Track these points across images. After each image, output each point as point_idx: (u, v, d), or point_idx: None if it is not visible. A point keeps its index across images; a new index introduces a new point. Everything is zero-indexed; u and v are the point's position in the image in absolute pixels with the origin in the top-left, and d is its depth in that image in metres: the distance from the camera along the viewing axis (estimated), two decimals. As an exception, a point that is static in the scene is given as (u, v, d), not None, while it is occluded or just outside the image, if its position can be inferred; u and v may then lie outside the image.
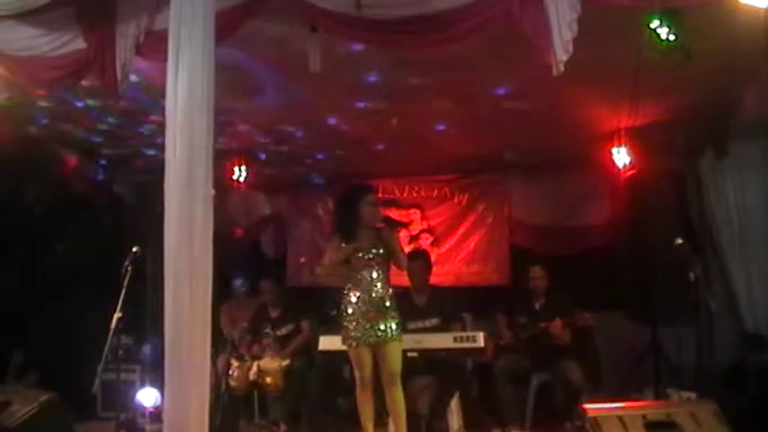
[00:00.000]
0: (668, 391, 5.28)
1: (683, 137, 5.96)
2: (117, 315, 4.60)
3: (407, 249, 5.17)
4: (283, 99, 5.32)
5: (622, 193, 6.35)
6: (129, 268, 4.72)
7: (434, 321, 5.65)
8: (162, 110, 3.37)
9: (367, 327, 4.54)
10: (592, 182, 6.78)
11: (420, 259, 5.84)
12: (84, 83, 4.40)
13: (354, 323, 4.56)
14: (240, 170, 6.79)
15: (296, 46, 3.86)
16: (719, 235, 6.18)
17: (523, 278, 6.17)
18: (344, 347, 4.69)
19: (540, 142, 6.29)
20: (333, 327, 6.08)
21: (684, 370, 5.76)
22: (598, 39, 3.61)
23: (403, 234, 7.06)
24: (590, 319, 5.69)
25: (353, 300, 4.60)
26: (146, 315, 6.68)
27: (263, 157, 6.87)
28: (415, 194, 7.69)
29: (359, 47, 4.25)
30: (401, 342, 4.65)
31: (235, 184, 6.84)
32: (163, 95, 3.34)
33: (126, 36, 3.89)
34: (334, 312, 7.19)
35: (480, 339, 5.31)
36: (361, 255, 4.61)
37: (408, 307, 5.43)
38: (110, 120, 5.77)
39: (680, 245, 5.19)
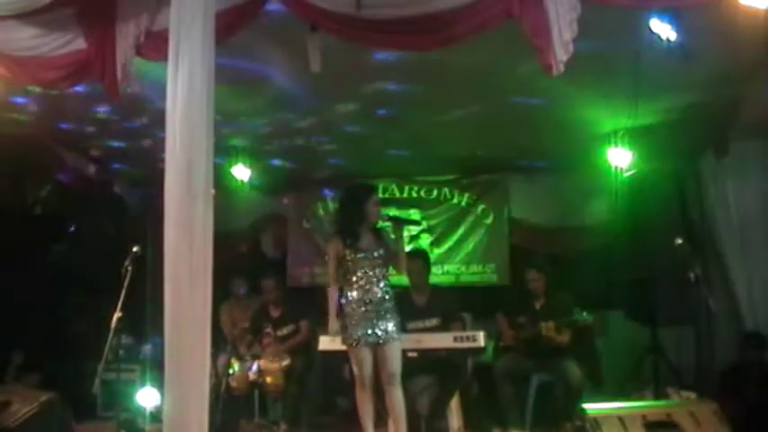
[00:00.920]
0: (668, 391, 5.28)
1: (683, 137, 5.96)
2: (117, 315, 4.61)
3: (406, 249, 5.18)
4: (285, 99, 5.32)
5: (622, 193, 6.35)
6: (129, 268, 4.73)
7: (434, 321, 5.65)
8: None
9: (367, 327, 4.54)
10: (592, 182, 6.78)
11: (419, 259, 5.84)
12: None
13: (354, 323, 4.56)
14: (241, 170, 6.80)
15: (297, 45, 3.86)
16: (719, 235, 6.18)
17: (523, 279, 6.18)
18: (344, 347, 4.69)
19: (540, 142, 6.29)
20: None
21: (684, 370, 5.77)
22: (598, 38, 3.61)
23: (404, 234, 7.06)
24: (590, 320, 5.70)
25: (354, 300, 4.59)
26: (146, 315, 6.69)
27: (263, 156, 6.87)
28: (414, 194, 7.69)
29: (362, 48, 4.25)
30: (401, 342, 4.66)
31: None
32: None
33: (126, 36, 3.89)
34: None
35: (480, 339, 5.30)
36: (362, 255, 4.61)
37: (408, 307, 5.43)
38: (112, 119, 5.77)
39: (680, 245, 5.20)
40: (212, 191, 3.27)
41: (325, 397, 6.58)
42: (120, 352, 5.33)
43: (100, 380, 4.82)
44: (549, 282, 6.03)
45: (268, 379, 5.86)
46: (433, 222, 7.57)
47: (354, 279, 4.61)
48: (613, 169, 6.07)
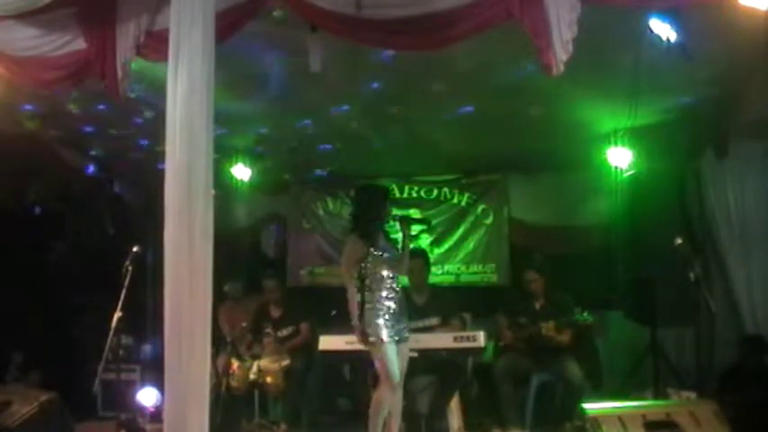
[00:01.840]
0: (668, 391, 5.28)
1: (683, 137, 5.96)
2: (117, 315, 4.61)
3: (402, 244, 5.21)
4: (285, 99, 5.32)
5: (622, 193, 6.34)
6: (129, 268, 4.73)
7: (434, 321, 5.66)
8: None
9: (394, 324, 4.56)
10: (592, 182, 6.77)
11: (419, 258, 5.84)
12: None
13: (384, 321, 4.53)
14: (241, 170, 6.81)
15: (297, 45, 3.86)
16: (719, 235, 6.18)
17: (523, 279, 6.18)
18: (346, 347, 4.68)
19: (540, 142, 6.29)
20: (333, 327, 6.10)
21: (684, 370, 5.76)
22: (598, 38, 3.61)
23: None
24: (590, 320, 5.70)
25: (382, 298, 4.57)
26: (146, 315, 6.69)
27: (263, 156, 6.87)
28: (414, 194, 7.69)
29: (360, 48, 4.24)
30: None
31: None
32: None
33: (126, 36, 3.89)
34: (334, 313, 7.24)
35: (480, 339, 5.31)
36: (379, 254, 4.62)
37: (408, 306, 5.43)
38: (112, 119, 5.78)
39: (680, 245, 5.19)
40: (212, 191, 3.27)
41: (325, 397, 6.58)
42: (120, 352, 5.32)
43: (100, 380, 4.81)
44: (549, 282, 6.04)
45: (268, 379, 5.86)
46: (433, 222, 7.56)
47: (379, 278, 4.59)
48: (613, 169, 6.07)
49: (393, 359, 4.51)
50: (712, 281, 6.06)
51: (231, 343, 5.96)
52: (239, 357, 6.02)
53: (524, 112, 5.45)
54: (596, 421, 4.09)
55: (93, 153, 6.77)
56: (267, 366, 5.92)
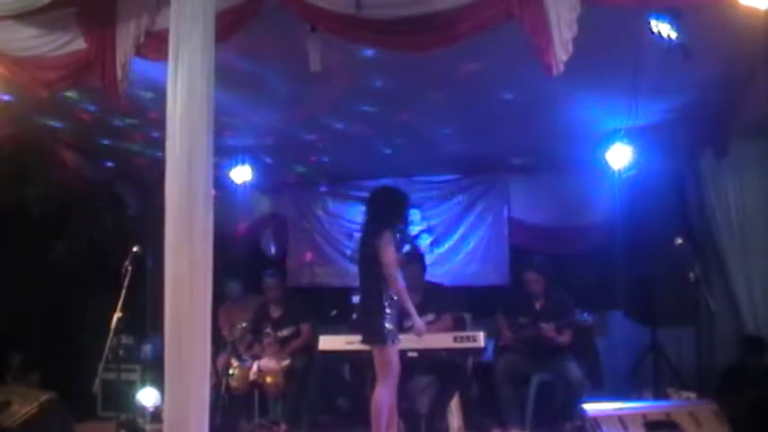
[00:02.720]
0: (668, 391, 5.28)
1: (683, 137, 5.96)
2: (117, 315, 4.61)
3: (406, 248, 5.23)
4: (285, 99, 5.32)
5: (622, 193, 6.35)
6: (129, 268, 4.73)
7: (430, 317, 5.65)
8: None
9: (396, 325, 4.63)
10: (592, 182, 6.78)
11: (416, 264, 5.89)
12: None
13: (392, 322, 4.59)
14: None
15: (297, 45, 3.86)
16: (719, 235, 6.18)
17: (523, 279, 6.18)
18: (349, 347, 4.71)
19: (540, 142, 6.29)
20: (334, 327, 6.11)
21: (684, 370, 5.77)
22: (599, 38, 3.61)
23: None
24: (590, 320, 5.70)
25: (392, 299, 4.61)
26: (146, 315, 6.69)
27: (263, 156, 6.87)
28: (414, 194, 7.67)
29: (363, 48, 4.25)
30: None
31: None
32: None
33: (126, 36, 3.89)
34: (335, 312, 7.25)
35: (480, 339, 5.31)
36: (399, 256, 4.72)
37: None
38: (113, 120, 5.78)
39: (680, 245, 5.20)
40: (212, 191, 3.27)
41: (325, 397, 6.59)
42: (120, 352, 5.33)
43: (100, 380, 4.81)
44: (549, 282, 6.04)
45: (268, 379, 5.86)
46: (433, 222, 7.57)
47: (389, 278, 4.59)
48: (613, 169, 6.07)
49: (396, 359, 4.59)
50: (712, 281, 6.06)
51: (231, 343, 5.96)
52: (239, 357, 6.02)
53: (524, 112, 5.45)
54: (596, 421, 4.09)
55: (93, 154, 6.77)
56: (267, 366, 5.92)
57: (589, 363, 6.09)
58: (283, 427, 5.87)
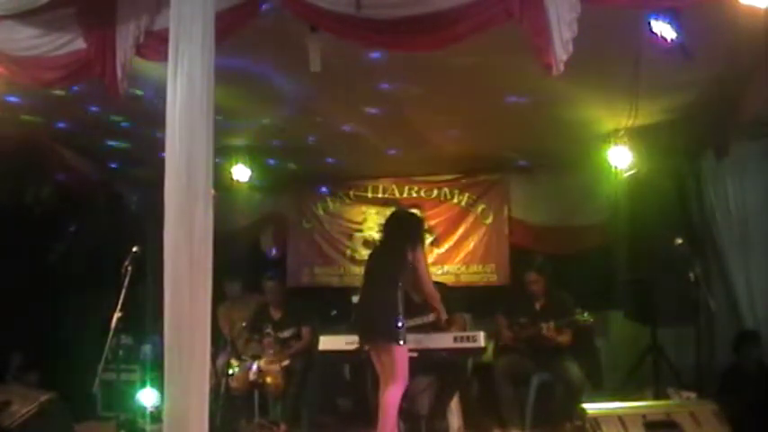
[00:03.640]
0: (668, 391, 5.28)
1: (683, 137, 5.96)
2: (117, 315, 4.61)
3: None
4: (284, 99, 5.32)
5: (622, 193, 6.34)
6: (129, 268, 4.73)
7: (432, 317, 5.64)
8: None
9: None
10: (592, 182, 6.78)
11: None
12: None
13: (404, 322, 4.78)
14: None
15: (297, 45, 3.86)
16: (719, 235, 6.18)
17: (523, 279, 6.18)
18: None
19: (540, 142, 6.29)
20: (334, 328, 6.10)
21: (684, 370, 5.76)
22: (598, 38, 3.61)
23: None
24: (590, 319, 5.70)
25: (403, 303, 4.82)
26: (146, 315, 6.68)
27: (263, 156, 6.87)
28: (414, 194, 7.69)
29: (361, 49, 4.25)
30: None
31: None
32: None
33: (126, 36, 3.89)
34: (334, 313, 7.24)
35: (480, 339, 5.31)
36: None
37: (406, 304, 5.43)
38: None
39: (680, 245, 5.20)
40: (212, 191, 3.27)
41: (325, 397, 6.58)
42: (120, 352, 5.32)
43: (100, 380, 4.81)
44: (549, 282, 6.03)
45: (268, 379, 5.86)
46: (433, 222, 7.57)
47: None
48: (613, 169, 6.07)
49: None
50: (712, 281, 6.06)
51: (231, 343, 5.96)
52: (239, 357, 6.01)
53: (524, 111, 5.45)
54: (596, 421, 4.09)
55: (92, 153, 6.76)
56: (267, 366, 5.91)
57: (589, 363, 6.08)
58: (283, 427, 5.87)
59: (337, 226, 7.87)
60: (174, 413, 3.17)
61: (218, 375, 5.74)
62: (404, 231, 5.14)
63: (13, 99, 5.13)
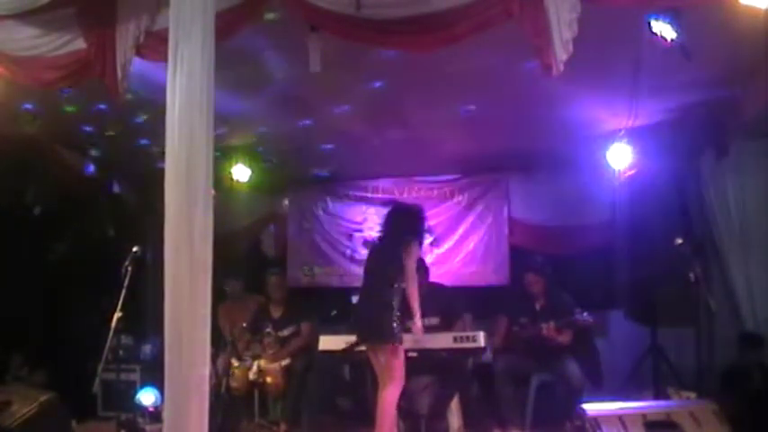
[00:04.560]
0: (668, 391, 5.28)
1: (683, 137, 5.96)
2: (117, 315, 4.60)
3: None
4: (284, 99, 5.32)
5: (622, 193, 6.34)
6: (129, 268, 4.73)
7: (434, 321, 5.66)
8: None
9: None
10: (592, 182, 6.78)
11: (420, 270, 5.88)
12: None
13: (399, 322, 4.75)
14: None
15: (297, 45, 3.86)
16: (719, 235, 6.17)
17: (523, 280, 6.18)
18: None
19: (540, 142, 6.28)
20: (334, 327, 6.10)
21: (684, 370, 5.76)
22: (598, 38, 3.61)
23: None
24: (590, 320, 5.70)
25: (399, 303, 4.79)
26: (146, 315, 6.69)
27: (263, 156, 6.87)
28: (414, 194, 7.68)
29: (361, 48, 4.24)
30: None
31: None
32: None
33: (126, 36, 3.89)
34: (334, 313, 7.24)
35: (480, 339, 5.31)
36: None
37: (407, 306, 5.43)
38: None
39: (680, 245, 5.19)
40: (212, 191, 3.27)
41: (325, 397, 6.58)
42: (120, 352, 5.34)
43: (100, 380, 4.81)
44: (549, 282, 6.03)
45: (268, 379, 5.86)
46: (433, 222, 7.56)
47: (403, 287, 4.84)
48: (613, 169, 6.07)
49: None
50: (712, 281, 6.05)
51: (231, 343, 5.96)
52: (239, 357, 6.02)
53: (524, 112, 5.45)
54: (596, 421, 4.09)
55: (92, 153, 6.76)
56: (267, 366, 5.91)
57: (589, 363, 6.08)
58: (283, 426, 5.87)
59: (337, 226, 7.87)
60: (173, 413, 3.17)
61: (218, 375, 5.74)
62: (400, 226, 5.04)
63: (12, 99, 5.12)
